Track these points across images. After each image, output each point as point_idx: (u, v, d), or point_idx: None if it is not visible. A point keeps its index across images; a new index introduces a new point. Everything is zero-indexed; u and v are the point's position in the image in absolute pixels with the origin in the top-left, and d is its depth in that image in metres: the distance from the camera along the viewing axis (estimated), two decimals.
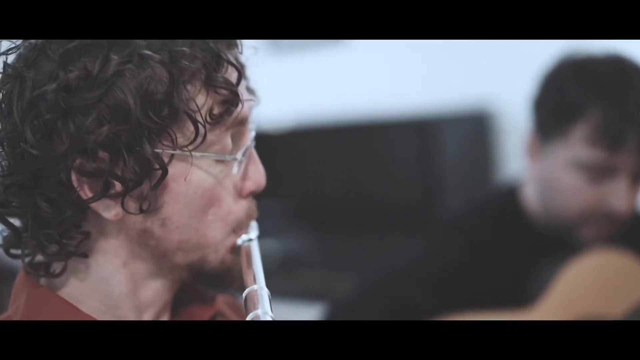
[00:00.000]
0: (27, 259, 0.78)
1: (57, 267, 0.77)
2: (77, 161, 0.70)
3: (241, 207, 0.79)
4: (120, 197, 0.71)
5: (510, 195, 1.49)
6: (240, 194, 0.79)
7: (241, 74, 0.75)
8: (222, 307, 0.88)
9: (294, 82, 2.75)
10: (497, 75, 2.35)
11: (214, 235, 0.77)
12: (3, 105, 0.73)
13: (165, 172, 0.71)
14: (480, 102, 2.36)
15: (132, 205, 0.72)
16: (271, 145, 2.71)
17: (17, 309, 0.77)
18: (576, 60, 1.40)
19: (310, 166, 2.55)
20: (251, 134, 0.80)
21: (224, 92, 0.73)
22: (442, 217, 1.66)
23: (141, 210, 0.72)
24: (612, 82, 1.35)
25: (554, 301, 1.36)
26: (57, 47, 0.70)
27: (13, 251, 0.78)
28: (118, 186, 0.71)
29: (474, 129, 2.40)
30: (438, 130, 2.32)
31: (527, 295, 1.39)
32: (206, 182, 0.75)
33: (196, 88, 0.72)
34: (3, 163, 0.73)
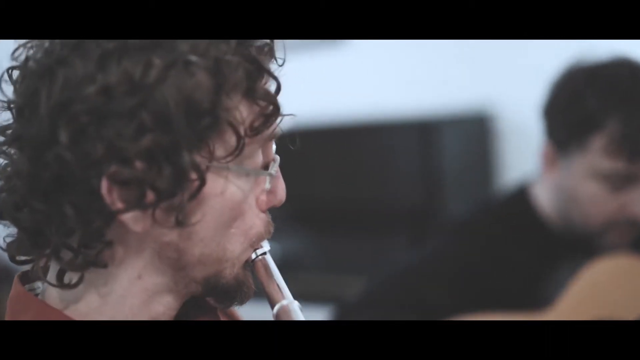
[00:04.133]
0: (39, 267, 0.74)
1: (72, 277, 0.72)
2: (113, 169, 0.66)
3: (261, 222, 0.78)
4: (151, 209, 0.68)
5: (521, 196, 1.49)
6: (260, 208, 0.77)
7: (280, 86, 0.74)
8: (222, 319, 0.86)
9: (294, 82, 2.74)
10: (499, 77, 2.34)
11: (234, 249, 0.75)
12: (21, 103, 0.69)
13: (203, 182, 0.69)
14: (481, 103, 2.35)
15: (160, 218, 0.69)
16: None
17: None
18: (588, 68, 1.38)
19: (310, 168, 2.54)
20: (274, 148, 0.79)
21: (264, 104, 0.71)
22: (454, 215, 1.65)
23: (176, 223, 0.69)
24: (628, 90, 1.34)
25: (569, 305, 1.35)
26: (94, 45, 0.67)
27: (21, 258, 0.74)
28: (151, 196, 0.68)
29: (475, 131, 2.39)
30: (439, 131, 2.31)
31: (542, 298, 1.38)
32: (236, 196, 0.73)
33: (237, 98, 0.70)
34: (22, 167, 0.69)
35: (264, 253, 0.79)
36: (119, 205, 0.68)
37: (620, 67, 1.38)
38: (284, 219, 2.54)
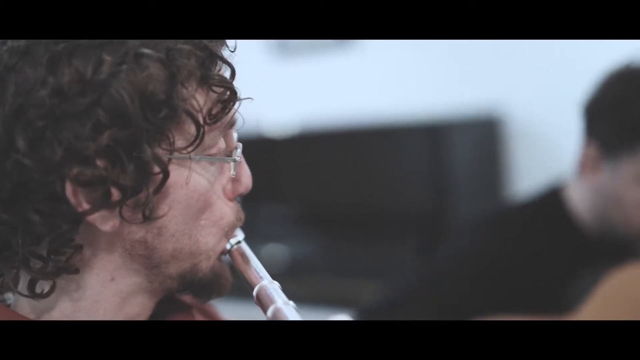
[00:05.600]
0: (9, 279, 0.72)
1: (44, 286, 0.71)
2: (75, 170, 0.65)
3: (231, 210, 0.77)
4: (117, 207, 0.67)
5: (554, 197, 1.48)
6: (228, 196, 0.77)
7: (234, 72, 0.73)
8: (198, 317, 0.86)
9: (302, 85, 2.75)
10: (508, 80, 2.34)
11: (207, 241, 0.74)
12: None
13: (166, 175, 0.68)
14: (490, 106, 2.35)
15: (128, 215, 0.69)
16: (279, 149, 2.71)
17: None
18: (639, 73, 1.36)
19: (319, 171, 2.54)
20: (236, 136, 0.78)
21: (220, 90, 0.71)
22: (481, 216, 1.63)
23: (144, 218, 0.69)
24: None
25: (590, 312, 1.34)
26: (42, 49, 0.65)
27: None
28: (116, 194, 0.67)
29: (484, 134, 2.39)
30: (449, 135, 2.31)
31: (566, 301, 1.37)
32: (201, 186, 0.72)
33: (193, 87, 0.69)
34: None
35: (239, 242, 0.78)
36: (85, 206, 0.67)
37: None
38: (293, 222, 2.54)
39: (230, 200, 0.77)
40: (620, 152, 1.35)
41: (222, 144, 0.74)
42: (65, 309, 0.73)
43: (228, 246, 0.77)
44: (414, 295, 1.43)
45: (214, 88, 0.70)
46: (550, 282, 1.39)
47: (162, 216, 0.70)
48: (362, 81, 2.66)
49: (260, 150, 2.57)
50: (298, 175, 2.56)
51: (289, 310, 0.68)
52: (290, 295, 0.73)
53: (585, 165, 1.40)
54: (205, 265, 0.75)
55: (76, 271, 0.71)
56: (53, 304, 0.73)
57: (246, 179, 0.78)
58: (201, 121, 0.69)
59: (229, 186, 0.76)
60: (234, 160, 0.75)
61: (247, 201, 0.80)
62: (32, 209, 0.67)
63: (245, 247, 0.78)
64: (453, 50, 2.38)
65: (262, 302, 0.71)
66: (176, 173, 0.70)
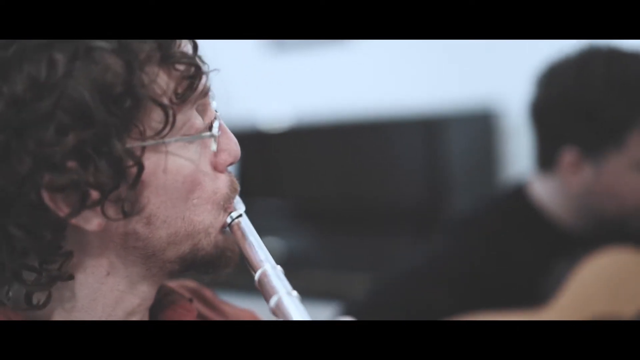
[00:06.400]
0: (5, 293, 0.70)
1: (40, 297, 0.69)
2: (46, 178, 0.64)
3: (223, 183, 0.74)
4: (99, 206, 0.66)
5: (518, 192, 1.49)
6: (217, 169, 0.74)
7: (196, 45, 0.70)
8: (200, 309, 0.85)
9: (298, 80, 2.75)
10: (504, 74, 2.34)
11: (202, 219, 0.72)
12: None
13: (141, 167, 0.66)
14: (485, 101, 2.35)
15: (112, 211, 0.67)
16: (275, 143, 2.71)
17: None
18: (607, 70, 1.37)
19: (315, 165, 2.54)
20: (213, 104, 0.75)
21: (183, 67, 0.68)
22: (452, 216, 1.65)
23: (124, 214, 0.67)
24: None
25: (567, 300, 1.36)
26: None
27: None
28: (94, 194, 0.65)
29: (480, 128, 2.39)
30: (444, 129, 2.31)
31: (541, 293, 1.38)
32: (184, 168, 0.70)
33: (153, 71, 0.66)
34: None
35: (240, 215, 0.76)
36: (66, 210, 0.66)
37: (630, 59, 1.37)
38: (290, 216, 2.54)
39: (222, 172, 0.74)
40: (605, 149, 1.37)
41: (198, 120, 0.71)
42: (61, 310, 0.72)
43: (229, 220, 0.75)
44: (393, 298, 1.44)
45: (177, 66, 0.68)
46: (524, 275, 1.40)
47: (143, 209, 0.69)
48: (358, 75, 2.66)
49: (257, 144, 2.57)
50: (294, 169, 2.56)
51: (292, 301, 0.66)
52: None
53: (565, 171, 1.40)
54: (207, 242, 0.73)
55: (70, 277, 0.70)
56: (50, 308, 0.71)
57: (233, 146, 0.75)
58: (168, 104, 0.67)
59: (215, 159, 0.73)
60: (212, 136, 0.72)
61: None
62: (13, 223, 0.66)
63: (245, 222, 0.76)
64: (449, 45, 2.38)
65: (264, 289, 0.69)
66: (153, 161, 0.68)
